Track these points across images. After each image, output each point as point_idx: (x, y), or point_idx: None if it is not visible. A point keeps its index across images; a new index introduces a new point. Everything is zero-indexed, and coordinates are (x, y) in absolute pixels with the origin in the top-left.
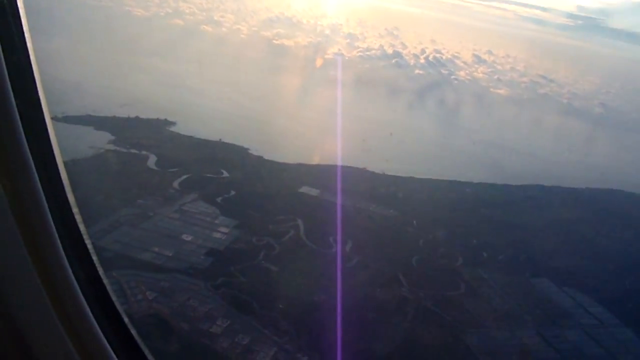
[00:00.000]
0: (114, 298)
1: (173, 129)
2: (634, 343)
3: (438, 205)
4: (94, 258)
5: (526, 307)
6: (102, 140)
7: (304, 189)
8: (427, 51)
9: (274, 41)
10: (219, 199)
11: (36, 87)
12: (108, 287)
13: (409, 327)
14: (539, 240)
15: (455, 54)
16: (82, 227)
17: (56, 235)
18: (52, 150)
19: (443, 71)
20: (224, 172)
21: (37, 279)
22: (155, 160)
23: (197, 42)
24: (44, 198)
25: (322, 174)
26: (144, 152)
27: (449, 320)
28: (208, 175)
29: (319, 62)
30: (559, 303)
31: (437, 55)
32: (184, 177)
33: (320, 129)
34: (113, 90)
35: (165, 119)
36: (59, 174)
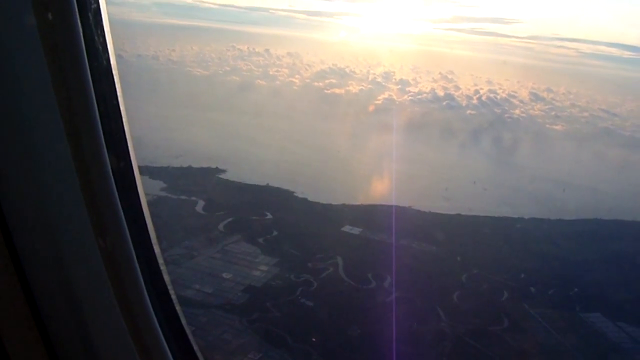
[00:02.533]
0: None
1: (223, 175)
2: None
3: (485, 241)
4: (177, 310)
5: (576, 343)
6: (155, 188)
7: (346, 228)
8: (481, 92)
9: (326, 91)
10: (260, 239)
11: (126, 142)
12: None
13: None
14: (595, 275)
15: (512, 93)
16: (167, 279)
17: (147, 296)
18: (141, 206)
19: (496, 110)
20: (268, 214)
21: (128, 336)
22: (203, 205)
23: (252, 95)
24: (134, 254)
25: (366, 213)
26: (193, 198)
27: (487, 354)
28: (253, 217)
29: (368, 108)
30: (613, 339)
31: (491, 95)
32: (229, 219)
33: (365, 171)
34: (170, 142)
35: (217, 167)
36: (147, 228)
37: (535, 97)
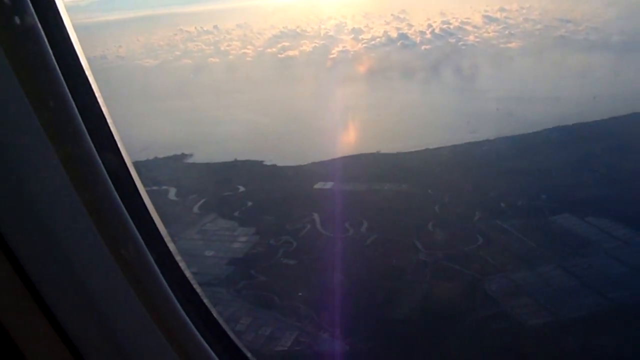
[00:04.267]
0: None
1: (190, 160)
2: None
3: (453, 170)
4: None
5: (547, 244)
6: None
7: (319, 185)
8: (434, 25)
9: (279, 55)
10: (236, 213)
11: (116, 142)
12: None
13: (427, 288)
14: (556, 180)
15: (465, 20)
16: (189, 275)
17: (174, 298)
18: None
19: (451, 40)
20: (240, 187)
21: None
22: (175, 192)
23: (207, 75)
24: (152, 261)
25: (336, 167)
26: (164, 187)
27: (467, 272)
28: (225, 194)
29: (324, 63)
30: (582, 234)
31: (444, 26)
32: (203, 200)
33: (329, 126)
34: (132, 138)
35: (182, 153)
36: (157, 228)
37: (489, 19)
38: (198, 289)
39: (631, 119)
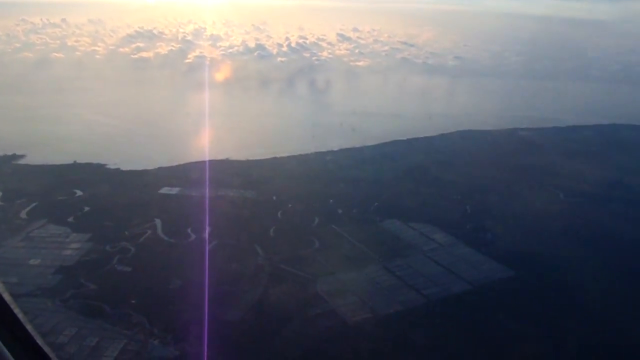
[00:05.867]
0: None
1: (21, 161)
2: (468, 255)
3: (298, 178)
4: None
5: (375, 247)
6: None
7: (164, 190)
8: (292, 39)
9: (132, 56)
10: (70, 219)
11: None
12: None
13: (262, 290)
14: (388, 189)
15: (321, 37)
16: None
17: None
18: None
19: (305, 55)
20: (78, 191)
21: None
22: (0, 195)
23: (49, 70)
24: None
25: (184, 172)
26: None
27: (301, 274)
28: (60, 198)
29: (178, 67)
30: (405, 237)
31: (301, 41)
32: (33, 205)
33: (180, 131)
34: None
35: (14, 154)
36: None
37: (343, 37)
38: (10, 302)
39: (457, 135)
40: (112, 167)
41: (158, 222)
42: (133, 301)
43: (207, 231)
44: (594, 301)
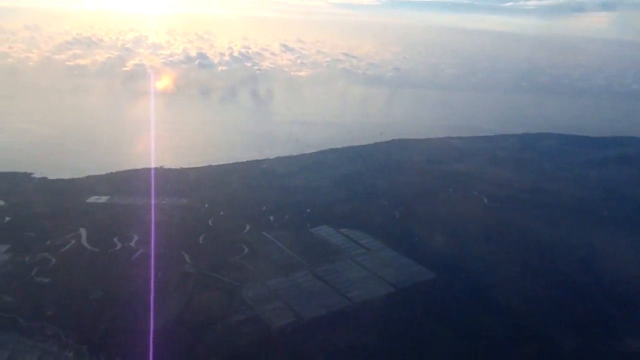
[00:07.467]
0: None
1: None
2: (393, 259)
3: (232, 185)
4: None
5: (304, 253)
6: None
7: (92, 199)
8: (235, 48)
9: (68, 63)
10: None
11: None
12: None
13: (187, 298)
14: (322, 196)
15: (264, 47)
16: None
17: None
18: None
19: (247, 64)
20: None
21: None
22: None
23: None
24: None
25: (115, 180)
26: None
27: (227, 281)
28: None
29: (115, 75)
30: (334, 243)
31: (244, 50)
32: None
33: (114, 140)
34: None
35: None
36: None
37: (286, 48)
38: None
39: (392, 144)
40: (39, 176)
41: (83, 231)
42: (50, 313)
43: (134, 240)
44: (508, 300)
